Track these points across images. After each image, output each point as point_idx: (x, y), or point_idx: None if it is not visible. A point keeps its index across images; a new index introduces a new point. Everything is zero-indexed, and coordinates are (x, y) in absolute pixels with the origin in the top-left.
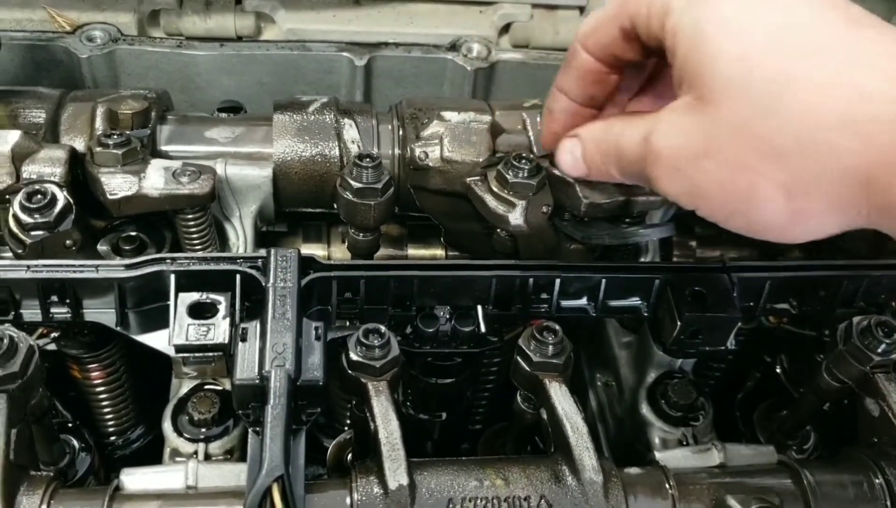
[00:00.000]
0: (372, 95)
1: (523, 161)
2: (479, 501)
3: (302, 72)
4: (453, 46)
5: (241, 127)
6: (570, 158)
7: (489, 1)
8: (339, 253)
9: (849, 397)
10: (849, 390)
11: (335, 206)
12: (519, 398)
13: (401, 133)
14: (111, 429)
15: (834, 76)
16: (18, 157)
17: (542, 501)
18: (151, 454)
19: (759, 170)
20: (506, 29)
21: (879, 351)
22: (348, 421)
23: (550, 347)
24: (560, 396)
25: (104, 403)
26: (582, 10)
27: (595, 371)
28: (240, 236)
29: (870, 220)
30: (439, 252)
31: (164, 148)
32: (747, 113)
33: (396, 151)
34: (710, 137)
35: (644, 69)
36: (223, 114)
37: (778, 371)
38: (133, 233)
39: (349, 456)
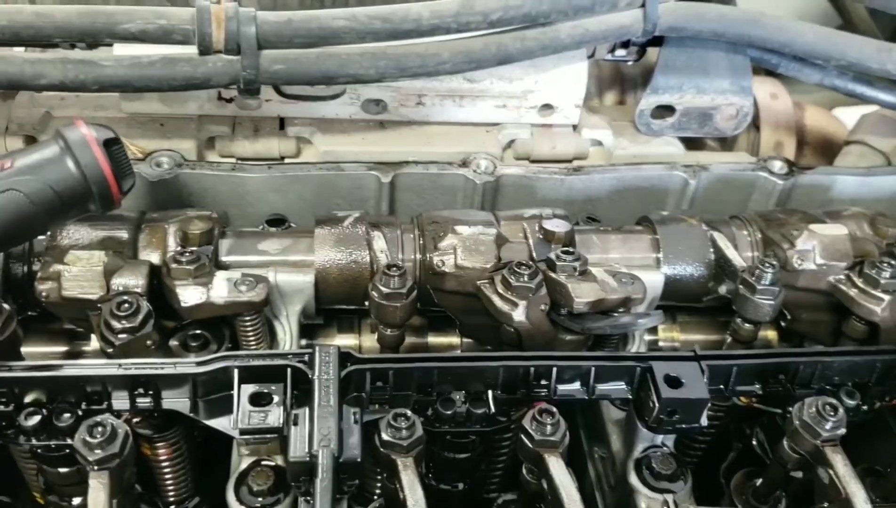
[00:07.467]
0: (396, 205)
1: (523, 267)
2: None
3: (337, 188)
4: (464, 163)
5: (289, 239)
6: None
7: (495, 123)
8: (369, 341)
9: (808, 466)
10: (806, 460)
11: (366, 303)
12: (524, 470)
13: (421, 242)
14: (171, 499)
15: None
16: (108, 273)
17: None
18: None
19: None
20: (509, 144)
21: (827, 427)
22: (377, 490)
23: (549, 427)
24: (557, 469)
25: (167, 476)
26: (574, 127)
27: (593, 444)
28: (286, 332)
29: None
30: (455, 340)
31: (224, 259)
32: None
33: (418, 256)
34: None
35: None
36: (272, 228)
37: (754, 442)
38: (198, 331)
39: None
